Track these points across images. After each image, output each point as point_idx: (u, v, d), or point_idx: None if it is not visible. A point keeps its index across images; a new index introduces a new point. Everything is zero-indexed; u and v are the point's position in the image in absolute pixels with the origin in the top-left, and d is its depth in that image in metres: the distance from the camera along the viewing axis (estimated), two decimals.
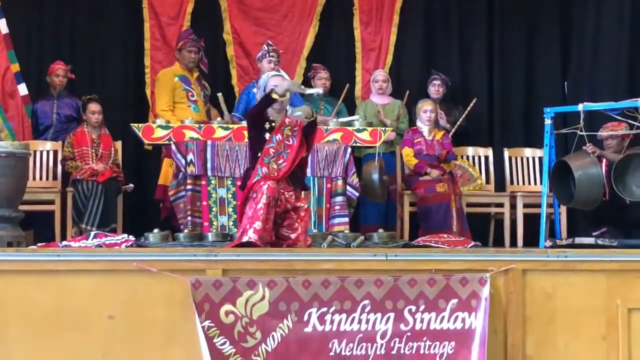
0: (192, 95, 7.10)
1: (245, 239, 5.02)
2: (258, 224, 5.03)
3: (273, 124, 5.31)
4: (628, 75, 7.87)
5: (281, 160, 5.26)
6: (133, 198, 7.36)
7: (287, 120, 5.30)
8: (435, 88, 7.80)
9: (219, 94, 6.94)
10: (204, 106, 7.20)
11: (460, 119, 7.69)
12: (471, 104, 7.73)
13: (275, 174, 5.21)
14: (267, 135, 5.28)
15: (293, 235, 5.27)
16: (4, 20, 7.35)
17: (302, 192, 5.44)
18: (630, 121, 6.03)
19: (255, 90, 6.94)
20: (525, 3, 8.54)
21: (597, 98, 6.78)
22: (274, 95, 5.21)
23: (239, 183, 6.27)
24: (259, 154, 5.26)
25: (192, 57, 7.18)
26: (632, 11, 7.88)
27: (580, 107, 6.09)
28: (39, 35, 7.91)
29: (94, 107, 7.03)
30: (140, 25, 8.05)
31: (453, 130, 7.59)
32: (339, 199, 6.45)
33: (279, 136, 5.29)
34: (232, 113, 7.20)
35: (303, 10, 8.23)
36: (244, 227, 5.09)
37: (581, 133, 6.04)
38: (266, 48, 7.18)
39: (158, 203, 7.09)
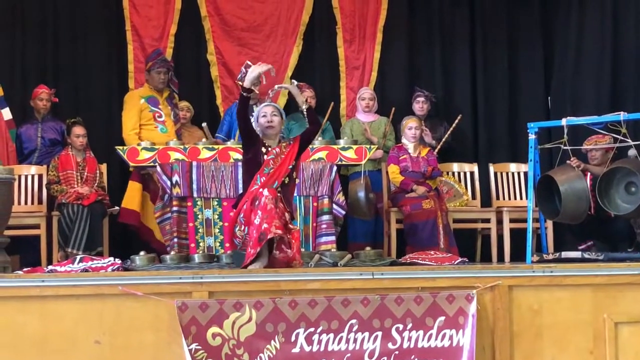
0: (160, 116, 7.10)
1: (270, 235, 4.94)
2: (277, 222, 5.00)
3: (269, 148, 5.42)
4: (610, 88, 7.92)
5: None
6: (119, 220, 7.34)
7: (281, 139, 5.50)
8: (420, 105, 7.83)
9: (204, 125, 6.95)
10: (173, 126, 7.19)
11: (446, 136, 7.71)
12: (456, 121, 7.76)
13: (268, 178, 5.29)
14: (265, 157, 5.37)
15: (289, 252, 5.20)
16: None
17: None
18: (613, 135, 6.05)
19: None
20: (506, 18, 8.60)
21: (580, 112, 6.81)
22: (244, 85, 5.39)
23: (225, 204, 6.30)
24: (255, 171, 5.35)
25: (162, 78, 7.19)
26: (614, 25, 7.94)
27: (564, 121, 6.12)
28: (22, 59, 7.89)
29: (78, 130, 7.02)
30: (123, 48, 8.05)
31: (438, 147, 7.61)
32: (325, 217, 6.44)
33: (277, 149, 5.42)
34: (216, 134, 7.22)
35: (286, 29, 8.26)
36: (264, 229, 4.96)
37: (565, 147, 6.07)
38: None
39: (144, 226, 7.06)
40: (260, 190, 5.13)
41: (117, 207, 7.00)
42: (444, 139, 7.69)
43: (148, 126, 7.06)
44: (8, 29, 7.86)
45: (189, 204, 6.28)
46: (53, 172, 6.94)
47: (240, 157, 6.33)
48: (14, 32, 7.89)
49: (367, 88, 8.04)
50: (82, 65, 8.02)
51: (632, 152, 6.03)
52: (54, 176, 6.92)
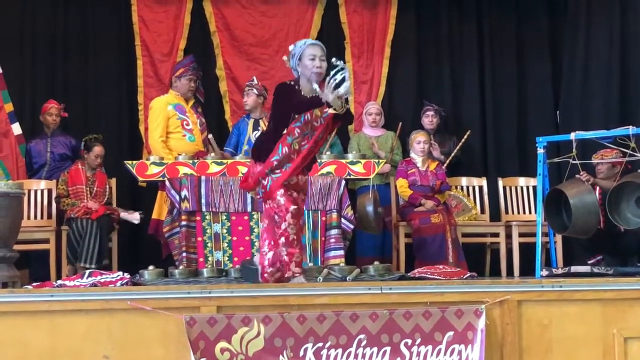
0: (187, 124, 7.00)
1: (294, 280, 4.97)
2: (297, 256, 5.00)
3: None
4: (619, 102, 7.90)
5: (304, 142, 5.09)
6: (129, 234, 7.36)
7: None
8: (429, 119, 7.82)
9: (210, 136, 6.94)
10: (200, 135, 7.11)
11: (455, 150, 7.71)
12: (465, 136, 7.75)
13: (295, 155, 5.05)
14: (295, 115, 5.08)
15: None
16: None
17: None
18: (622, 149, 6.04)
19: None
20: (515, 33, 8.62)
21: (589, 126, 6.80)
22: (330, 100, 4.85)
23: (233, 218, 6.30)
24: (282, 130, 5.05)
25: (192, 86, 7.14)
26: (621, 39, 7.92)
27: (573, 135, 6.11)
28: (32, 75, 7.94)
29: (99, 150, 7.04)
30: (133, 63, 8.10)
31: (447, 161, 7.61)
32: (333, 231, 6.43)
33: (307, 116, 5.08)
34: (224, 147, 7.22)
35: None
36: (284, 262, 4.98)
37: (574, 161, 6.05)
38: (246, 85, 7.29)
39: (155, 239, 7.06)
40: (282, 202, 5.00)
41: (137, 216, 6.99)
42: (453, 154, 7.69)
43: (176, 134, 6.96)
44: (18, 44, 7.91)
45: (198, 218, 6.29)
46: (62, 186, 6.96)
47: None
48: (24, 47, 7.94)
49: (373, 103, 8.04)
50: (91, 80, 8.08)
51: None
52: (63, 190, 6.95)
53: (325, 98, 4.83)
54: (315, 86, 4.99)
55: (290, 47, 5.18)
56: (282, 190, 5.04)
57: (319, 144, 5.24)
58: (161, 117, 6.93)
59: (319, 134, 5.12)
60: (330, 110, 4.92)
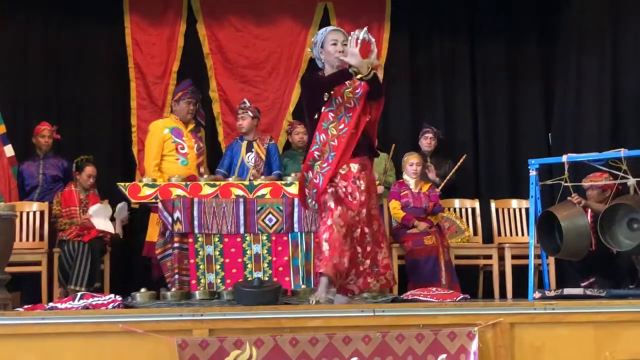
0: (182, 148, 7.02)
1: (321, 280, 4.99)
2: (336, 258, 4.95)
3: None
4: (611, 125, 7.93)
5: (342, 126, 5.01)
6: (120, 257, 7.34)
7: (347, 82, 5.05)
8: (427, 141, 7.85)
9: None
10: (195, 159, 7.13)
11: (450, 173, 7.72)
12: (461, 160, 7.76)
13: (335, 142, 4.97)
14: (326, 96, 5.00)
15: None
16: None
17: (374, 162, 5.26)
18: (614, 171, 6.05)
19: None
20: (507, 55, 8.66)
21: (582, 149, 6.82)
22: (352, 70, 4.93)
23: (226, 240, 6.27)
24: (316, 117, 5.02)
25: (191, 109, 7.16)
26: (614, 62, 7.97)
27: (565, 158, 6.12)
28: (25, 97, 7.94)
29: (90, 170, 7.08)
30: (126, 85, 8.11)
31: (442, 184, 7.62)
32: None
33: (339, 99, 5.05)
34: (217, 169, 7.22)
35: (288, 66, 8.32)
36: (324, 255, 4.95)
37: (566, 184, 6.07)
38: (240, 108, 7.32)
39: (146, 261, 7.05)
40: (331, 205, 4.93)
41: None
42: (448, 177, 7.70)
43: (169, 157, 7.01)
44: (12, 65, 7.92)
45: (190, 240, 6.26)
46: (58, 207, 6.98)
47: (241, 193, 6.34)
48: (17, 69, 7.95)
49: None
50: (85, 102, 8.09)
51: (631, 181, 5.98)
52: (59, 211, 6.96)
53: (348, 58, 4.86)
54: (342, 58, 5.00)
55: (311, 40, 5.28)
56: (332, 189, 4.97)
57: (361, 126, 5.07)
58: (156, 140, 6.98)
59: (357, 114, 5.01)
60: (358, 76, 4.91)
